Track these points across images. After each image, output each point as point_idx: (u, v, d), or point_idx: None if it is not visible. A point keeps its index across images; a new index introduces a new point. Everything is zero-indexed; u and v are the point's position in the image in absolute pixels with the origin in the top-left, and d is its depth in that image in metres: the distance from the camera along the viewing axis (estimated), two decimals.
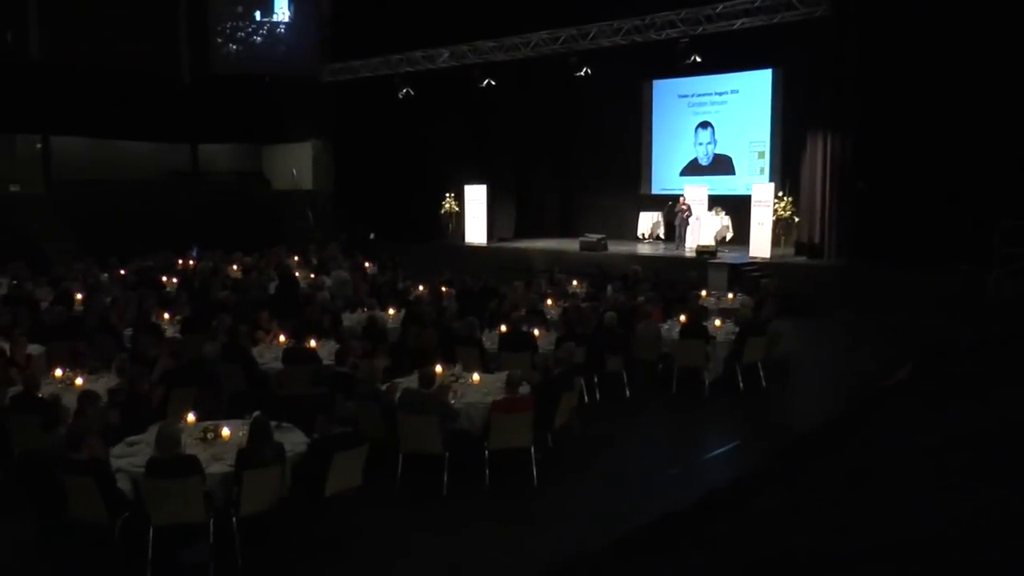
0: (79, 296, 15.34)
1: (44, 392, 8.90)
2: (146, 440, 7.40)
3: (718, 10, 20.01)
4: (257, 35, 29.46)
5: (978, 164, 17.32)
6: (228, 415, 8.79)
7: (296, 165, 31.88)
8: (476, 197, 26.08)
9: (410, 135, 26.62)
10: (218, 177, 31.66)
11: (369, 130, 27.56)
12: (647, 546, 7.23)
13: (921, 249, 17.76)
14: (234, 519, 6.80)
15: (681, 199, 22.77)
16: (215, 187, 30.61)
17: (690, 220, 22.42)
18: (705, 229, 22.34)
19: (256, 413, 7.59)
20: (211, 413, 8.75)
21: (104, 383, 9.37)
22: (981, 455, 7.96)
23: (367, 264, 20.91)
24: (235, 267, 20.00)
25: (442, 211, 27.10)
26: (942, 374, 12.61)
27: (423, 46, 24.93)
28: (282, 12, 29.42)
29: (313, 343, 11.13)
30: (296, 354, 10.60)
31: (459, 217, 26.78)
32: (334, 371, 9.74)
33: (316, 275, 18.61)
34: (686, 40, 20.62)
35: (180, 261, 21.27)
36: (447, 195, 26.97)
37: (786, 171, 22.58)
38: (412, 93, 25.33)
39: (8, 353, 10.47)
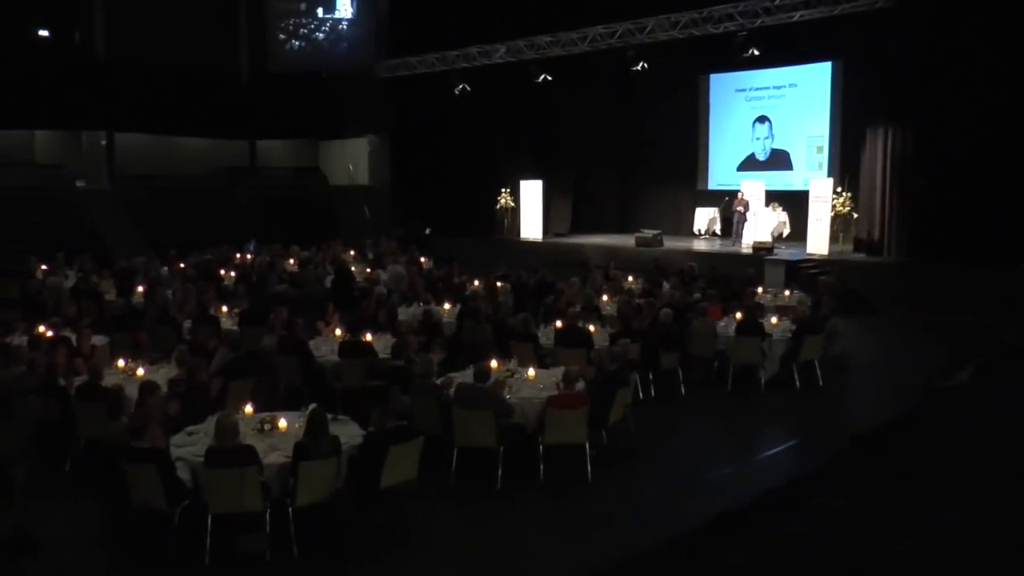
0: (140, 289, 15.65)
1: (107, 382, 9.09)
2: (205, 430, 7.52)
3: (776, 2, 19.69)
4: (320, 31, 29.78)
5: None
6: (285, 407, 8.90)
7: (352, 161, 32.17)
8: (532, 192, 26.07)
9: (466, 131, 26.67)
10: (275, 172, 32.11)
11: (425, 126, 27.67)
12: (703, 546, 7.16)
13: (984, 247, 17.32)
14: (290, 509, 6.88)
15: (739, 195, 22.51)
16: (272, 182, 31.07)
17: (748, 216, 22.14)
18: (762, 225, 22.07)
19: (313, 406, 7.67)
20: (268, 404, 8.86)
21: (164, 374, 9.53)
22: None
23: (423, 259, 20.99)
24: (292, 261, 20.21)
25: (498, 206, 27.14)
26: (1004, 377, 12.32)
27: (479, 42, 24.94)
28: (344, 9, 29.68)
29: (369, 337, 11.19)
30: (352, 347, 10.68)
31: (515, 212, 26.79)
32: (390, 365, 9.79)
33: (372, 269, 18.74)
34: (744, 33, 20.37)
35: (238, 255, 21.55)
36: (503, 190, 27.00)
37: (845, 166, 22.17)
38: (468, 89, 25.36)
39: (74, 344, 10.72)
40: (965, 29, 17.43)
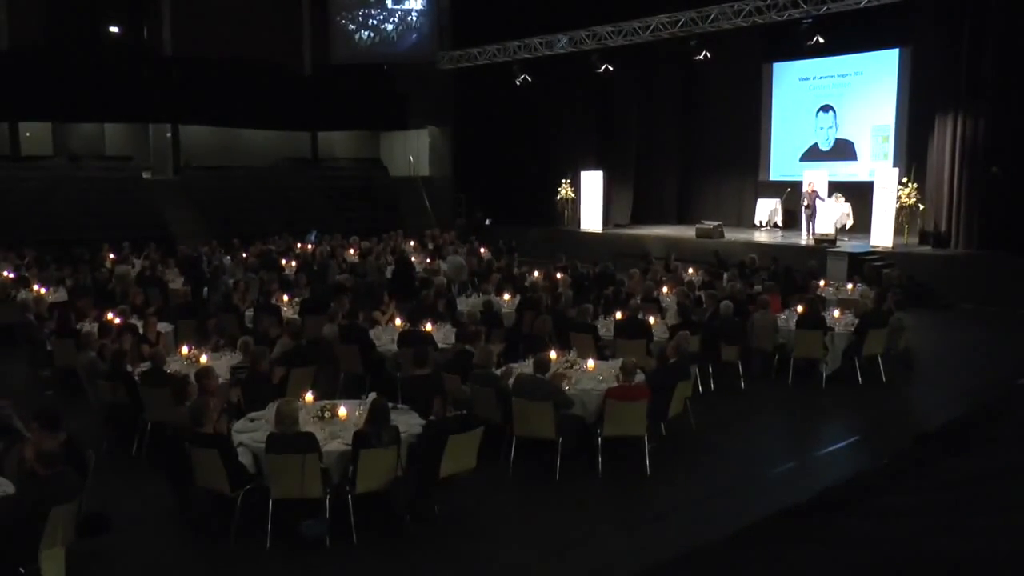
0: (205, 278, 15.95)
1: (172, 368, 9.28)
2: (266, 416, 7.63)
3: None
4: (389, 22, 29.95)
5: None
6: (345, 395, 8.98)
7: (413, 152, 32.37)
8: (592, 183, 25.97)
9: (527, 122, 26.67)
10: (337, 164, 32.45)
11: (486, 117, 27.73)
12: (763, 542, 7.07)
13: None
14: (350, 496, 6.95)
15: (810, 185, 22.02)
16: (334, 173, 31.40)
17: (818, 207, 21.65)
18: (824, 217, 21.71)
19: (374, 395, 7.73)
20: (328, 392, 8.94)
21: (227, 361, 9.71)
22: None
23: (483, 249, 21.05)
24: (352, 251, 20.42)
25: (558, 197, 27.08)
26: None
27: (541, 32, 24.89)
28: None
29: (429, 327, 11.26)
30: (412, 337, 10.74)
31: (575, 203, 26.72)
32: (450, 355, 9.83)
33: (432, 259, 18.86)
34: (809, 20, 20.04)
35: (299, 245, 21.84)
36: (563, 181, 26.93)
37: (912, 156, 21.67)
38: (529, 80, 25.33)
39: (140, 331, 10.95)
40: None
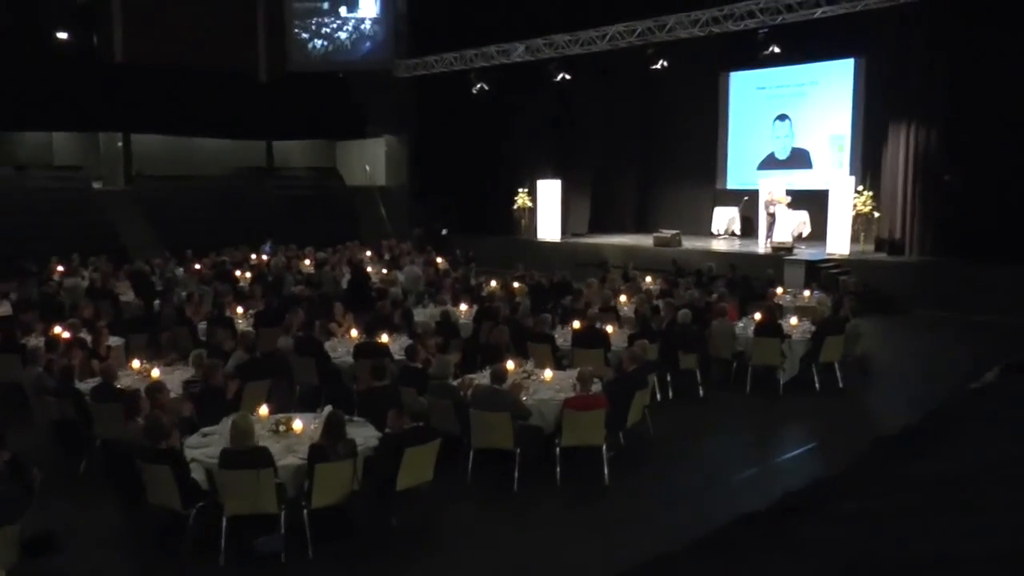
0: (157, 290, 15.76)
1: (123, 383, 9.16)
2: (220, 431, 7.56)
3: None
4: (342, 31, 29.81)
5: None
6: (301, 408, 8.92)
7: (370, 161, 32.24)
8: (549, 192, 26.03)
9: (484, 130, 26.67)
10: (292, 173, 32.23)
11: (443, 126, 27.66)
12: (725, 549, 7.12)
13: (1011, 245, 17.15)
14: (305, 511, 6.90)
15: (770, 194, 22.24)
16: (289, 183, 31.16)
17: (778, 215, 21.87)
18: (781, 225, 21.94)
19: (330, 408, 7.70)
20: (283, 406, 8.88)
21: (180, 375, 9.60)
22: None
23: (440, 260, 21.02)
24: (308, 262, 20.29)
25: (515, 206, 27.11)
26: None
27: (497, 41, 24.94)
28: (368, 7, 29.70)
29: (385, 338, 11.22)
30: (368, 349, 10.70)
31: (532, 212, 26.77)
32: (406, 366, 9.80)
33: (388, 270, 18.79)
34: (765, 30, 20.26)
35: (254, 256, 21.65)
36: (520, 190, 26.97)
37: (867, 164, 22.05)
38: (486, 88, 25.36)
39: (90, 344, 10.79)
40: (991, 23, 17.27)
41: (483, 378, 9.13)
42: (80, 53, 27.82)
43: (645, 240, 23.97)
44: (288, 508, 6.91)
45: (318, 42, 29.78)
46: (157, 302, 15.07)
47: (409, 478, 7.27)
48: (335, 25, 29.75)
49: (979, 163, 17.77)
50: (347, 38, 29.80)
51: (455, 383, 9.13)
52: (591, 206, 27.40)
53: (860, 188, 20.83)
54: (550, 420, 8.66)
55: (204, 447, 7.39)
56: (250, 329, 12.39)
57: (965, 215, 18.03)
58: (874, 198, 20.59)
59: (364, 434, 7.68)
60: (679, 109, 26.25)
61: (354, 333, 11.87)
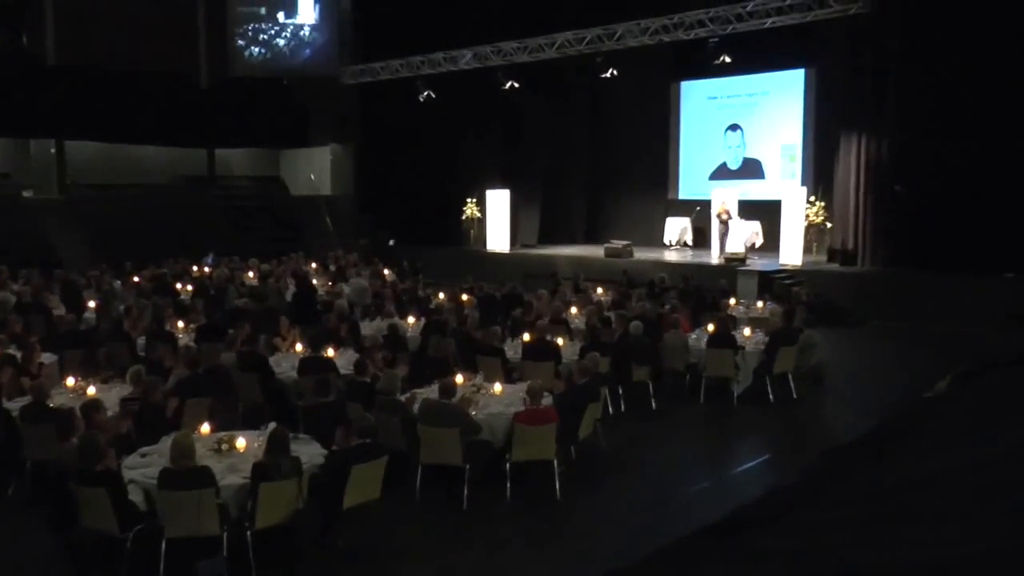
0: (93, 304, 15.48)
1: (56, 402, 8.97)
2: (159, 451, 7.45)
3: (748, 8, 19.91)
4: (281, 37, 29.58)
5: (1021, 170, 17.13)
6: (244, 426, 8.82)
7: (315, 170, 32.08)
8: (498, 202, 26.09)
9: (431, 139, 26.67)
10: (235, 182, 31.92)
11: (390, 134, 27.65)
12: (679, 562, 7.16)
13: (962, 255, 17.50)
14: (249, 532, 6.82)
15: (723, 204, 22.48)
16: (231, 192, 30.87)
17: (731, 226, 22.12)
18: (734, 236, 22.20)
19: (273, 425, 7.62)
20: (226, 424, 8.77)
21: (117, 392, 9.43)
22: None
23: (387, 271, 20.94)
24: (251, 274, 20.09)
25: (464, 217, 27.13)
26: (984, 387, 12.44)
27: (445, 47, 24.98)
28: (307, 13, 29.53)
29: (331, 352, 11.15)
30: (313, 363, 10.62)
31: (481, 223, 26.80)
32: (353, 381, 9.75)
33: (334, 282, 18.67)
34: (716, 39, 20.55)
35: (195, 268, 21.40)
36: (469, 200, 26.99)
37: (819, 175, 22.44)
38: (433, 96, 25.38)
39: (20, 361, 10.55)
40: (940, 36, 17.67)
41: (431, 393, 9.09)
42: (9, 54, 27.24)
43: (596, 251, 24.10)
44: (231, 529, 6.81)
45: (255, 49, 29.54)
46: (94, 317, 14.82)
47: (356, 496, 7.23)
48: (273, 31, 29.52)
49: (929, 173, 18.10)
50: (285, 45, 29.60)
51: (403, 398, 9.10)
52: (541, 216, 27.50)
53: (812, 199, 21.17)
54: (500, 435, 8.66)
55: (143, 467, 7.26)
56: (191, 344, 12.23)
57: (915, 225, 18.38)
58: (826, 208, 20.96)
59: (309, 451, 7.62)
60: (630, 119, 26.47)
61: (299, 347, 11.78)
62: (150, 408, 8.53)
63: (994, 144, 17.32)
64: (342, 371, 10.44)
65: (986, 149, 17.39)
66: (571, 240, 27.14)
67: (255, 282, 18.88)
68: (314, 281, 18.45)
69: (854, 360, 15.05)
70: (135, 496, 6.91)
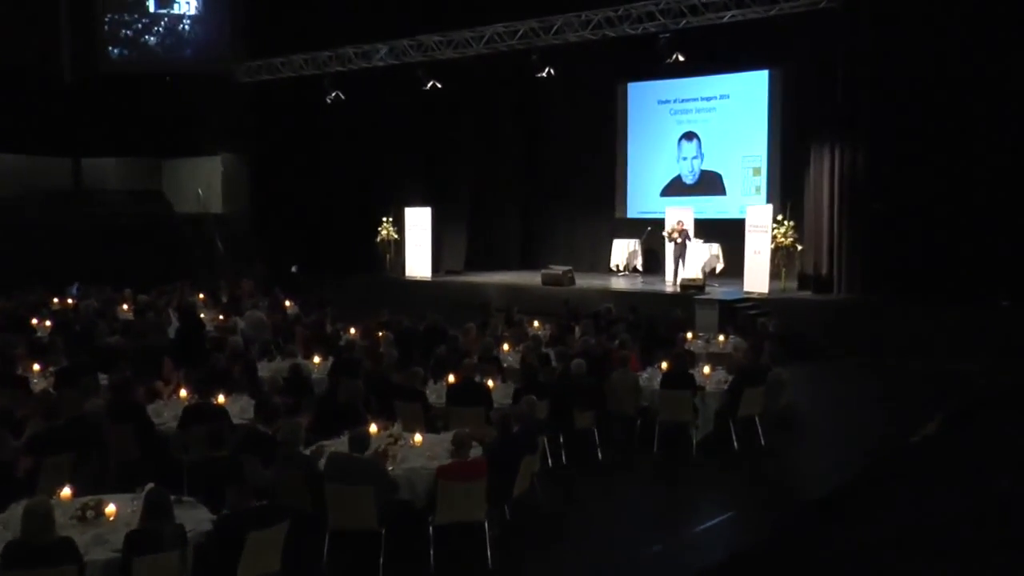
0: None
1: None
2: (6, 521, 7.26)
3: (704, 0, 20.18)
4: (151, 32, 29.07)
5: (1019, 181, 17.52)
6: (116, 488, 8.64)
7: (203, 183, 31.72)
8: (419, 222, 26.09)
9: (341, 148, 26.62)
10: (107, 197, 31.39)
11: (292, 142, 27.50)
12: None
13: (951, 281, 17.83)
14: None
15: (678, 223, 22.66)
16: (103, 210, 30.33)
17: (688, 247, 22.34)
18: (691, 259, 22.42)
19: (150, 486, 7.48)
20: (94, 486, 8.59)
21: None
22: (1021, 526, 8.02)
23: (288, 303, 20.80)
24: (126, 307, 19.82)
25: (378, 239, 27.05)
26: (977, 429, 12.71)
27: (356, 41, 24.97)
28: (186, 2, 29.14)
29: (221, 398, 11.01)
30: (200, 412, 10.46)
31: (399, 246, 26.75)
32: (248, 431, 9.62)
33: (226, 316, 18.48)
34: (667, 35, 20.78)
35: (56, 300, 21.03)
36: (384, 220, 26.91)
37: (787, 191, 22.78)
38: (343, 97, 25.32)
39: None
40: (921, 32, 18.03)
41: (341, 445, 9.02)
42: None
43: (532, 278, 24.21)
44: None
45: (114, 50, 28.86)
46: None
47: (251, 568, 7.11)
48: (141, 24, 28.89)
49: (911, 189, 18.36)
50: (157, 43, 29.03)
51: (307, 451, 9.01)
52: (468, 239, 27.59)
53: (780, 217, 21.38)
54: (421, 493, 8.61)
55: None
56: (50, 390, 11.98)
57: (897, 247, 18.67)
58: (796, 229, 21.16)
59: (196, 517, 7.49)
60: (570, 125, 26.74)
61: (184, 393, 11.60)
62: None
63: (985, 153, 17.69)
64: (235, 420, 10.31)
65: (976, 159, 17.76)
66: (503, 266, 27.25)
67: (130, 316, 18.62)
68: (202, 315, 18.26)
69: (830, 401, 15.28)
70: None
